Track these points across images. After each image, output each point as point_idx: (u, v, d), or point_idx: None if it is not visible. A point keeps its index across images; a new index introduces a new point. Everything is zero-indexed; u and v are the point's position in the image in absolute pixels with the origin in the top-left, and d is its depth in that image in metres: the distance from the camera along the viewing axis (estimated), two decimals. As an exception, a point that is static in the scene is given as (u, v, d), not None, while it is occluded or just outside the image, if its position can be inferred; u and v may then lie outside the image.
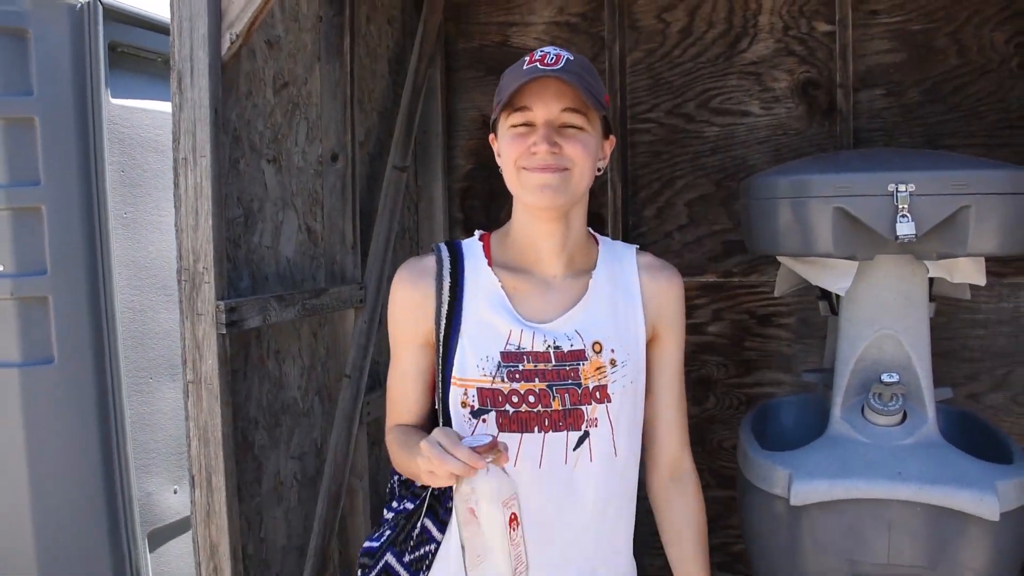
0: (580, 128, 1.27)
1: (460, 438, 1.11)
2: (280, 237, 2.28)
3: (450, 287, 1.31)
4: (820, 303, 2.15)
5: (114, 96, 2.65)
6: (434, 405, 1.40)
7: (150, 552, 2.76)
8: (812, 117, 2.64)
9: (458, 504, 1.12)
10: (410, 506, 1.39)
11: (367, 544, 1.43)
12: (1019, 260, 2.47)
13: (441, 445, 1.09)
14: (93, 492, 2.60)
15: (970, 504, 1.65)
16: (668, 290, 1.40)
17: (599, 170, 1.33)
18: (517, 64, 1.30)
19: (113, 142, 2.63)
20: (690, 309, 2.77)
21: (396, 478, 1.47)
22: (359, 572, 1.42)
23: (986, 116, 2.50)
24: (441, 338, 1.30)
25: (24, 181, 2.48)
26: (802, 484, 1.74)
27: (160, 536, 2.81)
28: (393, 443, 1.38)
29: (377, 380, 2.65)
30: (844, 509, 1.73)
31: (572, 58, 1.28)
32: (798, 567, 1.79)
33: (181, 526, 2.86)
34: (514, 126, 1.27)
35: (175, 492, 2.87)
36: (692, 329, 2.81)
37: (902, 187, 1.66)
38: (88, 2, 2.56)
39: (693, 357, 2.79)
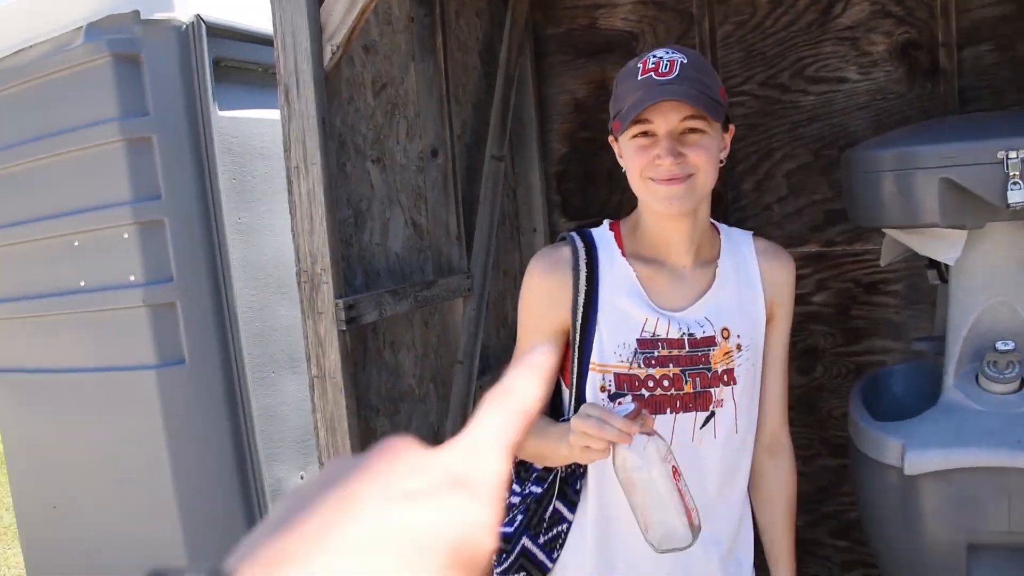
0: (702, 132, 1.29)
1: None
2: (388, 234, 2.38)
3: (587, 277, 1.37)
4: (928, 272, 2.12)
5: (221, 109, 2.79)
6: (554, 396, 1.46)
7: (283, 536, 2.93)
8: (914, 79, 2.57)
9: (620, 474, 1.18)
10: (538, 490, 1.46)
11: (500, 531, 1.51)
12: None
13: (594, 418, 1.16)
14: (228, 481, 2.78)
15: (1096, 471, 1.63)
16: (783, 274, 1.50)
17: (721, 162, 1.36)
18: (630, 70, 1.32)
19: (224, 153, 2.78)
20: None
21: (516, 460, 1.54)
22: (495, 558, 1.50)
23: (1102, 65, 2.41)
24: (579, 326, 1.36)
25: (146, 196, 2.66)
26: (916, 454, 1.74)
27: (291, 520, 2.98)
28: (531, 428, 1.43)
29: (487, 364, 2.73)
30: (960, 479, 1.72)
31: (686, 60, 1.29)
32: (915, 537, 1.78)
33: (309, 510, 3.03)
34: (635, 137, 1.31)
35: (302, 478, 3.03)
36: (797, 300, 2.77)
37: (1012, 154, 1.62)
38: (192, 22, 2.70)
39: (800, 327, 2.77)
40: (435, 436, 2.51)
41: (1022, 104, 2.45)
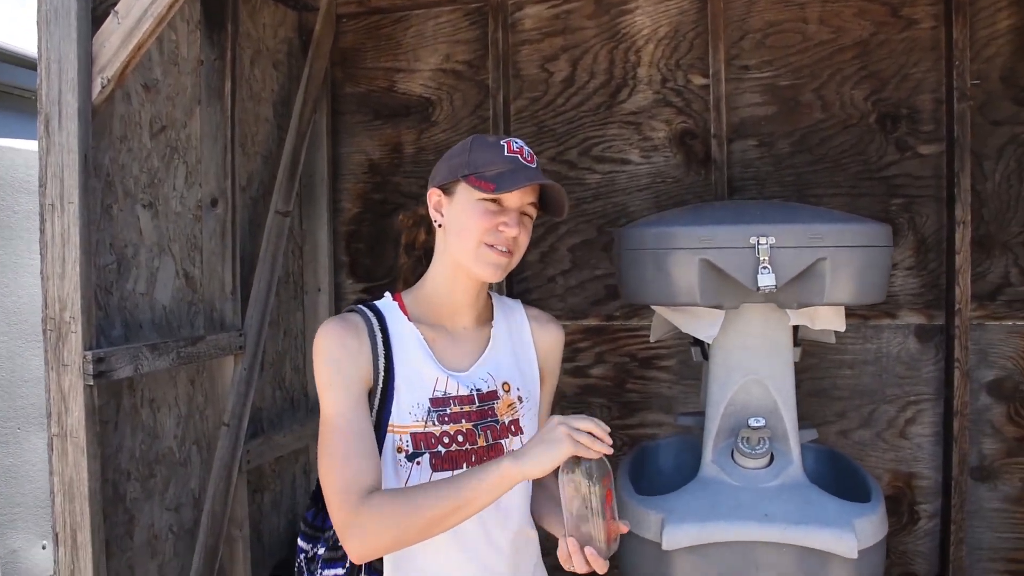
0: (531, 216, 1.43)
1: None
2: (156, 284, 2.23)
3: (383, 341, 1.40)
4: (692, 349, 2.21)
5: (-17, 135, 2.56)
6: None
7: (14, 613, 2.63)
8: (689, 166, 2.73)
9: (571, 485, 1.22)
10: (341, 572, 1.41)
11: None
12: (882, 304, 2.60)
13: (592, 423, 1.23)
14: (-49, 551, 2.47)
15: (831, 543, 1.72)
16: (554, 340, 1.58)
17: None
18: (489, 143, 1.41)
19: (-20, 183, 2.54)
20: (573, 352, 2.84)
21: (303, 556, 1.49)
22: None
23: (848, 167, 2.64)
24: (380, 391, 1.38)
25: None
26: (673, 528, 1.78)
27: (26, 596, 2.68)
28: (409, 495, 1.30)
29: (259, 427, 2.60)
30: (714, 552, 1.77)
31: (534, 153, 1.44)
32: (672, 610, 1.82)
33: (50, 584, 2.74)
34: (486, 200, 1.37)
35: (43, 548, 2.74)
36: (576, 372, 2.86)
37: (763, 240, 1.74)
38: (-45, 39, 2.48)
39: (577, 399, 2.83)
40: (196, 504, 2.34)
41: (783, 195, 2.65)
